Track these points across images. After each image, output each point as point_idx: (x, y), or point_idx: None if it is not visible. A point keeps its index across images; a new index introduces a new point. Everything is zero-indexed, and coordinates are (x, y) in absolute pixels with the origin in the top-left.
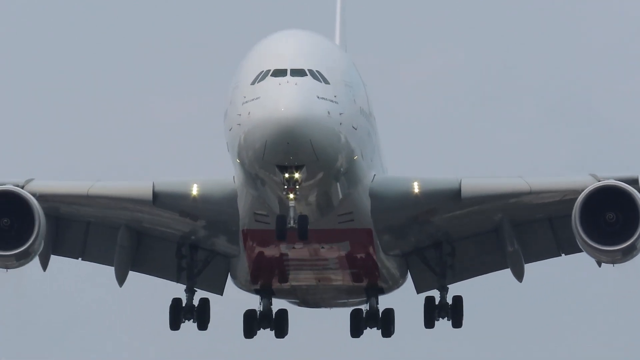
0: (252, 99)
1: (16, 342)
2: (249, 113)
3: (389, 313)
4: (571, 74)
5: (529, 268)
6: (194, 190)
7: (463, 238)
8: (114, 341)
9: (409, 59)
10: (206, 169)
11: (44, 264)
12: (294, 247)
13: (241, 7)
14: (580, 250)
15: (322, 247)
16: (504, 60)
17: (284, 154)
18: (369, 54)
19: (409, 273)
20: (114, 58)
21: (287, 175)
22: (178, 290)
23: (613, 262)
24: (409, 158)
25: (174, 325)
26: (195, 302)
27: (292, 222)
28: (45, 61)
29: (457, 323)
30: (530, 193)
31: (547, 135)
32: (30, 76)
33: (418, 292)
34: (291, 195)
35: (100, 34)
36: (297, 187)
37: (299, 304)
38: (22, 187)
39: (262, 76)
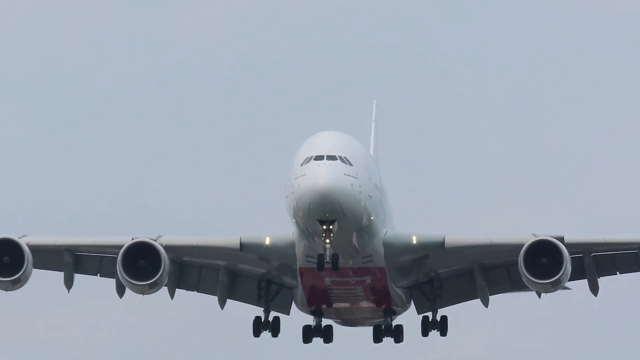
0: (301, 175)
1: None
2: (299, 185)
3: (400, 327)
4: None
5: (493, 298)
6: (267, 241)
7: (448, 277)
8: (216, 346)
9: None
10: (275, 224)
11: (171, 294)
12: (333, 279)
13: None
14: (526, 288)
15: (352, 280)
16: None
17: (322, 212)
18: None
19: (412, 300)
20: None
21: (324, 227)
22: (258, 310)
23: (546, 291)
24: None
25: (256, 334)
26: (270, 319)
27: (328, 258)
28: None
29: (443, 334)
30: (491, 245)
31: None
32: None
33: (418, 313)
34: (327, 241)
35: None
36: (331, 235)
37: (342, 324)
38: (155, 240)
39: (307, 160)
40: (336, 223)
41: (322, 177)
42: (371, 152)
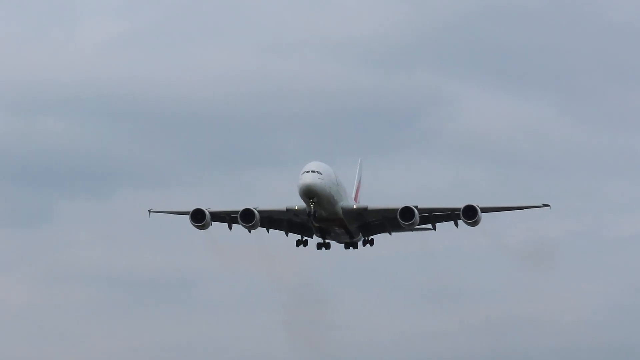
0: (301, 177)
1: None
2: (300, 183)
3: (356, 243)
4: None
5: (395, 235)
6: (296, 207)
7: (372, 222)
8: (283, 249)
9: None
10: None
11: (267, 231)
12: (323, 223)
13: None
14: (403, 229)
15: (330, 222)
16: None
17: (308, 194)
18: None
19: (360, 232)
20: None
21: (310, 200)
22: (298, 237)
23: (411, 229)
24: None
25: (297, 246)
26: (303, 239)
27: (313, 213)
28: None
29: (372, 245)
30: (387, 209)
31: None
32: None
33: (363, 237)
34: (312, 206)
35: None
36: (313, 203)
37: (334, 241)
38: (255, 208)
39: (303, 172)
40: (315, 199)
41: (308, 179)
42: (356, 179)
